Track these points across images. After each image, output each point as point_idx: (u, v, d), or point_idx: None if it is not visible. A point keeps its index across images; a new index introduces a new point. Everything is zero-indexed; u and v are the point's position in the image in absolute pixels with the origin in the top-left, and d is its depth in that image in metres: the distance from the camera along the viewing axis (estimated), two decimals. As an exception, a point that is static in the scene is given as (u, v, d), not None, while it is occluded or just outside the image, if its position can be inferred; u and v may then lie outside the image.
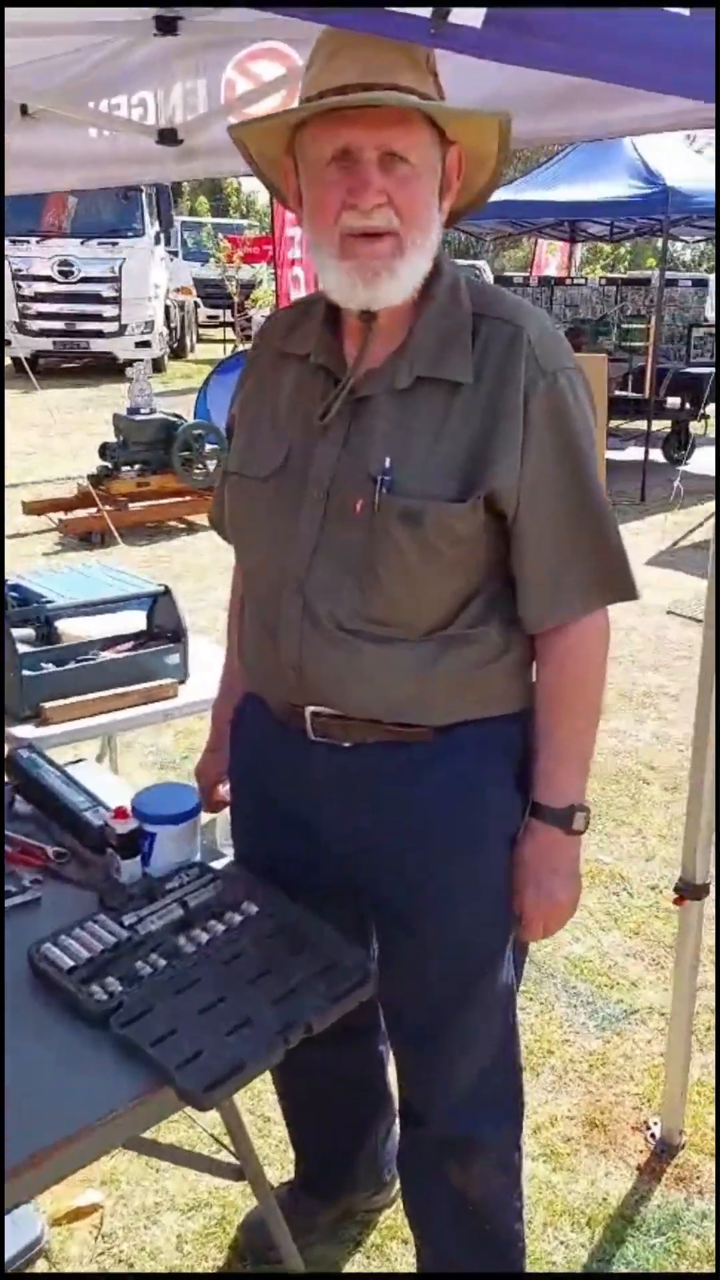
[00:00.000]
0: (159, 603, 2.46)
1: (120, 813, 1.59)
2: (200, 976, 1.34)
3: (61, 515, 6.88)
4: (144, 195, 13.66)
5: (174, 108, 2.63)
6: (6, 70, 2.37)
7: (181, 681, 2.39)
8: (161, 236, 14.59)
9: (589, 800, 1.38)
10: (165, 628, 2.44)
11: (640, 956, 2.77)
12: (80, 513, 6.82)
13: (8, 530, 6.86)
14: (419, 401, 1.25)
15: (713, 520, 7.41)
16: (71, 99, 2.67)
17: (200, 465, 7.24)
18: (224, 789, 1.67)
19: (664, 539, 7.00)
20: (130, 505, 6.97)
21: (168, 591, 2.46)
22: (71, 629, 2.48)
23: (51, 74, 2.66)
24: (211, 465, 7.28)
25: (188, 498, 7.19)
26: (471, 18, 1.05)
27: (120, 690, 2.26)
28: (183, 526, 7.15)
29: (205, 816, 1.68)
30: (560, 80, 1.68)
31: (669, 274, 9.45)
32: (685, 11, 1.25)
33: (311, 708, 1.34)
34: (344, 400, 1.27)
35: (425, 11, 1.02)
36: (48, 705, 2.20)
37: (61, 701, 2.23)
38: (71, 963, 1.37)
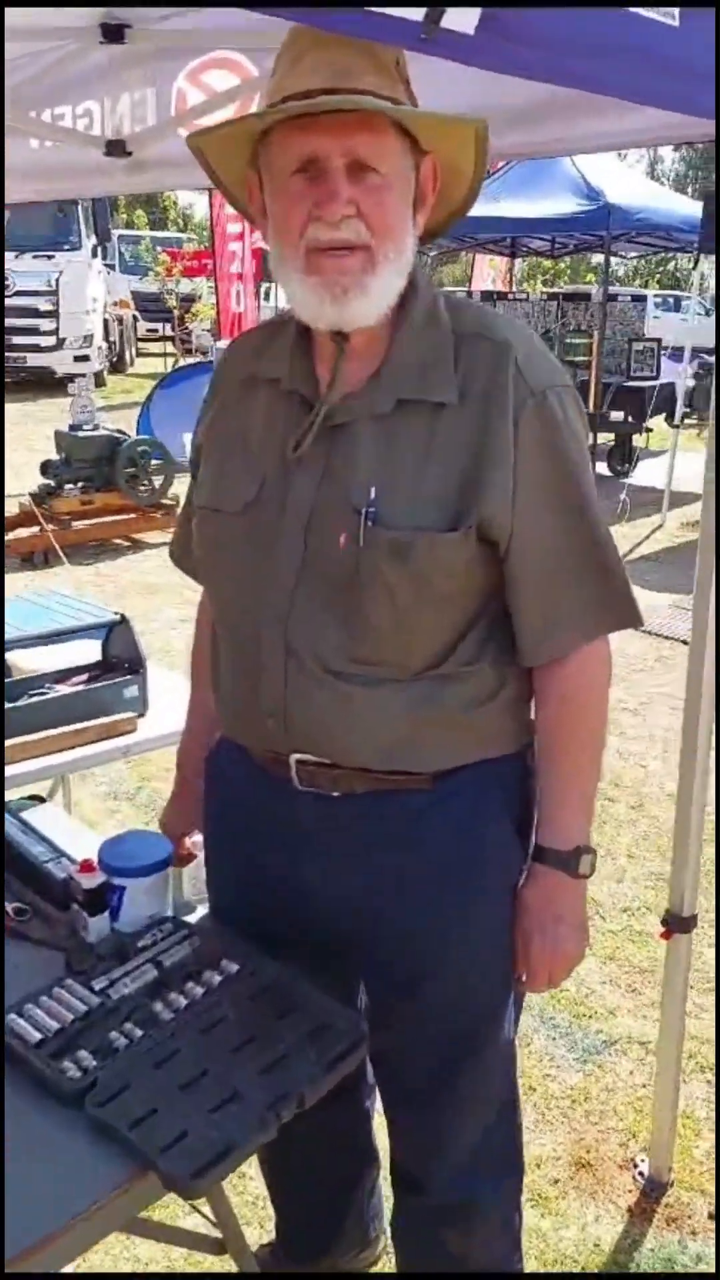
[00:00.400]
0: (115, 632, 2.35)
1: (86, 866, 1.48)
2: (180, 1047, 1.25)
3: (2, 535, 6.68)
4: (80, 208, 13.46)
5: (121, 118, 2.53)
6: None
7: (140, 715, 2.28)
8: (98, 250, 14.39)
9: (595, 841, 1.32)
10: (122, 658, 2.32)
11: (616, 983, 2.72)
12: (22, 532, 6.63)
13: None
14: (401, 426, 1.18)
15: (659, 532, 7.49)
16: (14, 107, 2.56)
17: (145, 482, 7.11)
18: (191, 841, 1.58)
19: (612, 551, 7.04)
20: (74, 524, 6.80)
21: (124, 620, 2.35)
22: (23, 662, 2.35)
23: (-8, 82, 2.55)
24: (157, 481, 7.15)
25: (132, 515, 7.06)
26: (464, 23, 0.99)
27: (76, 726, 2.14)
28: (128, 544, 7.00)
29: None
30: (541, 91, 1.63)
31: (609, 289, 9.57)
32: (674, 21, 1.22)
33: (297, 755, 1.26)
34: (320, 427, 1.20)
35: (417, 14, 0.95)
36: (0, 744, 2.08)
37: (15, 740, 2.11)
38: (39, 1035, 1.27)
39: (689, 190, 30.67)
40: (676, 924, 1.89)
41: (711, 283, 8.67)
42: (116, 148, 2.48)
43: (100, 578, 6.24)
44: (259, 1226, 1.93)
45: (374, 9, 0.93)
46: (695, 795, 1.84)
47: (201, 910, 1.55)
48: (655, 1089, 2.08)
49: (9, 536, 6.62)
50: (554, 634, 1.23)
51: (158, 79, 2.42)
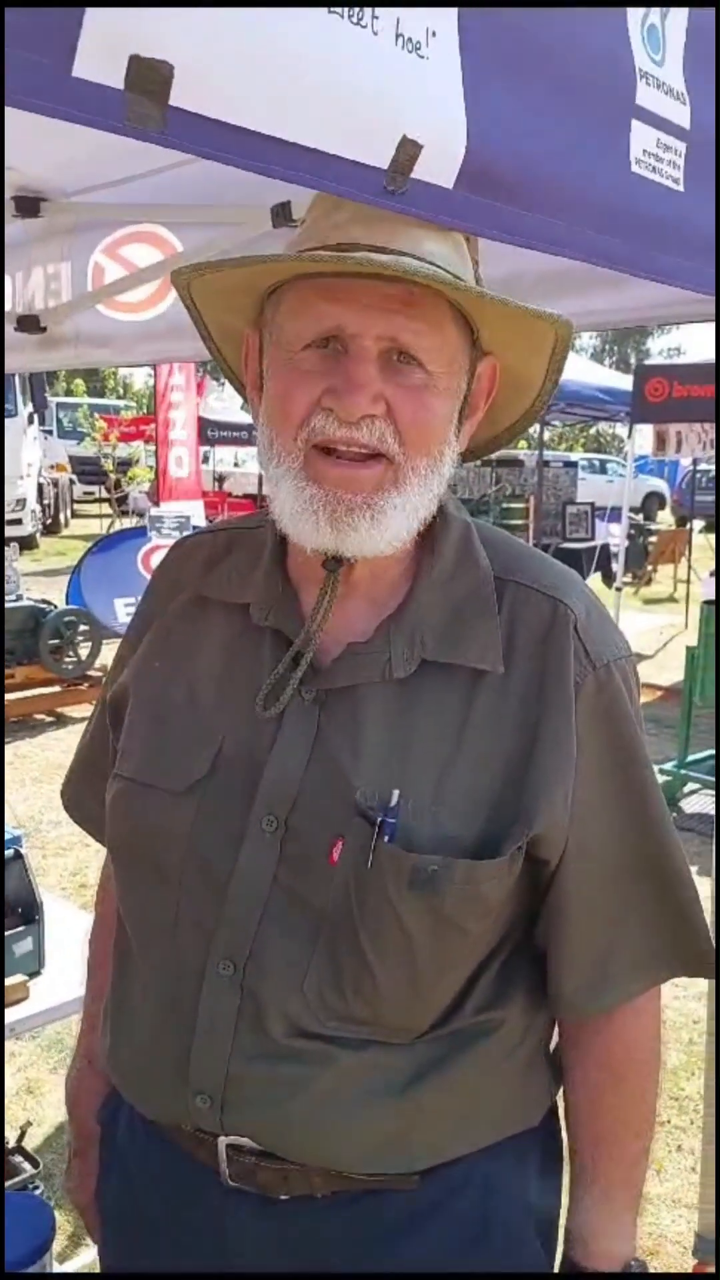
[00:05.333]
0: (9, 869, 1.95)
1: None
2: None
3: None
4: (16, 377, 13.65)
5: (34, 293, 2.35)
6: None
7: (34, 974, 1.87)
8: (34, 416, 14.54)
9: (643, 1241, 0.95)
10: (13, 902, 1.92)
11: None
12: (-65, 709, 6.18)
13: None
14: (425, 697, 0.86)
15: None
16: None
17: (71, 654, 6.76)
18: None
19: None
20: (-8, 699, 6.38)
21: (18, 855, 1.96)
22: None
23: None
24: (84, 652, 6.81)
25: (56, 688, 6.67)
26: (442, 174, 0.76)
27: (-48, 1004, 1.73)
28: (51, 720, 6.58)
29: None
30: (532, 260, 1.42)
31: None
32: (679, 186, 1.02)
33: (229, 1139, 0.88)
34: (309, 685, 0.88)
35: (381, 159, 0.71)
36: None
37: None
38: None
39: (605, 362, 32.69)
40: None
41: (631, 447, 8.87)
42: (29, 323, 2.28)
43: (17, 759, 5.78)
44: None
45: (330, 150, 0.68)
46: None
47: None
48: None
49: None
50: (607, 984, 0.91)
51: (73, 252, 2.25)
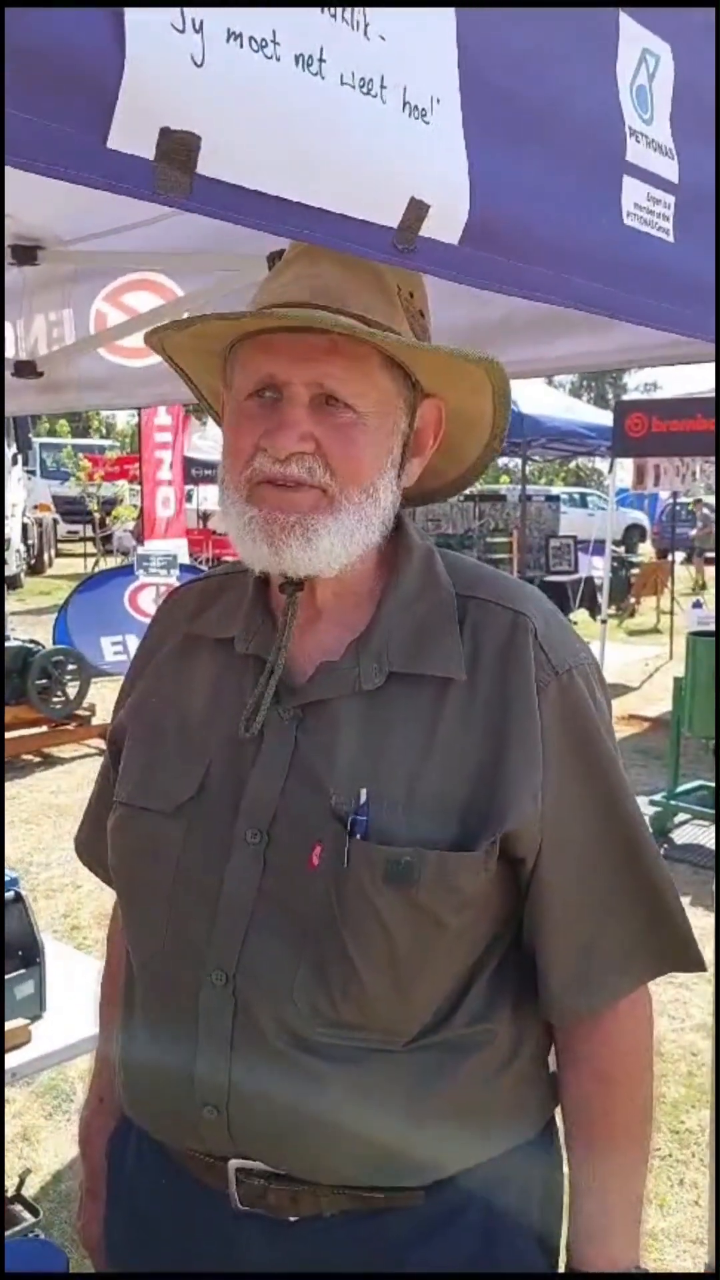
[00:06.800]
0: (9, 911, 1.95)
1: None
2: None
3: None
4: None
5: (36, 339, 2.39)
6: None
7: (35, 1018, 1.86)
8: (18, 458, 14.64)
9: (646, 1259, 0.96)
10: (14, 945, 1.92)
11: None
12: None
13: None
14: (395, 706, 0.92)
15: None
16: None
17: (59, 693, 6.75)
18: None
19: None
20: (-20, 740, 6.35)
21: (19, 897, 1.96)
22: None
23: None
24: (72, 691, 6.79)
25: (44, 729, 6.65)
26: (448, 232, 0.79)
27: (-47, 1049, 1.71)
28: (39, 760, 6.55)
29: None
30: (519, 306, 1.47)
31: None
32: (669, 237, 1.06)
33: (238, 1163, 0.91)
34: (286, 704, 0.94)
35: (391, 219, 0.74)
36: None
37: None
38: None
39: (584, 398, 33.16)
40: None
41: (613, 481, 8.98)
42: (26, 369, 2.32)
43: (6, 801, 5.75)
44: None
45: (344, 212, 0.71)
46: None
47: None
48: None
49: None
50: (591, 983, 0.95)
51: (75, 300, 2.30)
